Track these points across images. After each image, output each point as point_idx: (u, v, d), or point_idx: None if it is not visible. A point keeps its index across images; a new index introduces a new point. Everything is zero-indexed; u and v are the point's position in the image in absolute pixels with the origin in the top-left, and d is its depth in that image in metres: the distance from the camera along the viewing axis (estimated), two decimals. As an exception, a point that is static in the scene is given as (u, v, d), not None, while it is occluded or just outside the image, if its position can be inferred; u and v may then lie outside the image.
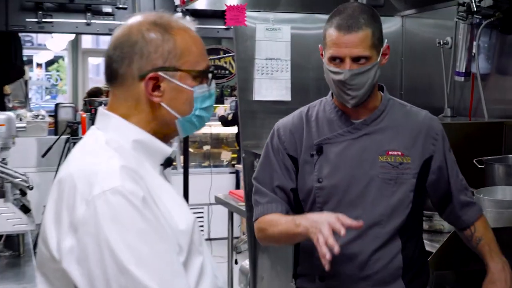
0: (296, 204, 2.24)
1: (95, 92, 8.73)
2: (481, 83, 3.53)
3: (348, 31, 2.07)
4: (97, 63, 13.96)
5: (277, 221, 2.16)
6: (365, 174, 2.14)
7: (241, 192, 4.83)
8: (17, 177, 3.48)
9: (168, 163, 1.60)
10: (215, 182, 6.13)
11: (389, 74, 4.34)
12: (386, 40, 2.18)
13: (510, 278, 2.20)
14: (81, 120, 6.27)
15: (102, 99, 6.64)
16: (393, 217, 2.13)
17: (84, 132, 6.37)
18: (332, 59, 2.12)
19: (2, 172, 3.36)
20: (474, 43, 3.52)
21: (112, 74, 1.54)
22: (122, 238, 1.35)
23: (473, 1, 3.34)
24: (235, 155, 6.91)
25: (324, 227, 1.90)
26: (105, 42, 13.61)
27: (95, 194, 1.37)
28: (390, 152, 2.16)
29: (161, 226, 1.42)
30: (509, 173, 2.87)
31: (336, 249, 1.87)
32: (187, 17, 1.60)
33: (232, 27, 4.17)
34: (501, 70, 3.52)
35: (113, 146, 1.50)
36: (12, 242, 3.17)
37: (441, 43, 3.92)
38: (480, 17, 3.48)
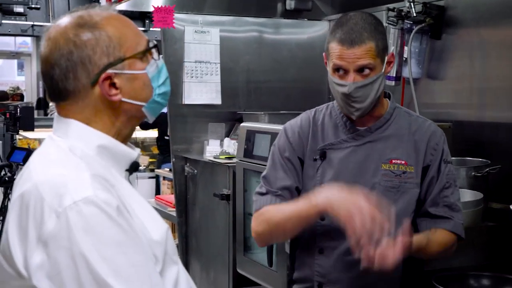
0: None
1: (1, 96, 8.40)
2: (413, 87, 3.61)
3: (351, 45, 2.04)
4: (-4, 64, 13.46)
5: (282, 207, 2.12)
6: (367, 182, 2.13)
7: (168, 197, 4.75)
8: None
9: (133, 168, 1.53)
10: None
11: (317, 79, 4.38)
12: (392, 48, 2.15)
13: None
14: (-9, 125, 5.98)
15: (17, 102, 6.37)
16: (395, 226, 2.07)
17: (-5, 138, 6.09)
18: (336, 69, 2.09)
19: None
20: (405, 48, 3.59)
21: (61, 93, 1.45)
22: (98, 250, 1.28)
23: (412, 7, 3.41)
24: (153, 160, 6.79)
25: (366, 209, 1.84)
26: (5, 43, 13.10)
27: (67, 205, 1.30)
28: (393, 161, 2.15)
29: (137, 236, 1.36)
30: (447, 175, 2.93)
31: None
32: (102, 4, 1.51)
33: (160, 29, 4.09)
34: (431, 75, 3.61)
35: (78, 154, 1.42)
36: None
37: (370, 48, 3.97)
38: (411, 22, 3.55)
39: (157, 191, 6.39)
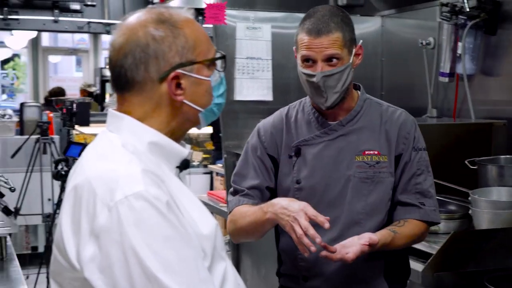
0: None
1: (58, 92, 8.58)
2: (467, 84, 3.56)
3: (318, 35, 2.10)
4: (55, 61, 13.76)
5: (246, 212, 2.18)
6: (342, 175, 2.18)
7: (220, 192, 4.79)
8: (-4, 179, 3.40)
9: (184, 165, 1.57)
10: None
11: (369, 74, 4.37)
12: (361, 41, 2.21)
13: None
14: (48, 120, 6.16)
15: (73, 98, 6.53)
16: (373, 216, 2.17)
17: (51, 133, 6.26)
18: (304, 60, 2.16)
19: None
20: (459, 43, 3.55)
21: (127, 83, 1.48)
22: (148, 244, 1.31)
23: (466, 1, 3.37)
24: (207, 156, 6.87)
25: (301, 217, 1.93)
26: (63, 40, 13.41)
27: (118, 199, 1.33)
28: (366, 152, 2.19)
29: (186, 231, 1.38)
30: (501, 174, 2.90)
31: (318, 240, 1.91)
32: (184, 8, 1.55)
33: (211, 25, 4.12)
34: (486, 71, 3.56)
35: (130, 149, 1.45)
36: (-9, 245, 3.10)
37: (424, 44, 3.95)
38: (465, 17, 3.51)
39: (212, 187, 6.46)
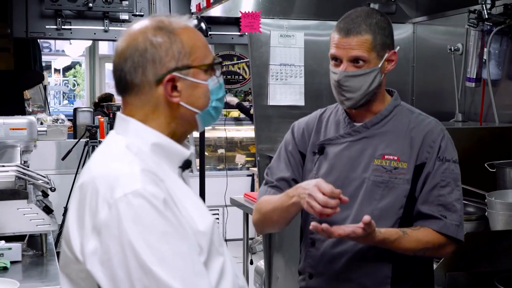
0: None
1: (106, 98, 8.85)
2: (491, 89, 3.59)
3: (347, 35, 2.11)
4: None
5: (271, 198, 2.22)
6: (357, 176, 2.18)
7: (256, 194, 4.90)
8: (39, 179, 3.57)
9: (186, 165, 1.63)
10: (231, 185, 6.24)
11: (400, 80, 4.43)
12: (398, 47, 2.20)
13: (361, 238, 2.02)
14: (99, 124, 6.39)
15: (120, 103, 6.72)
16: (381, 221, 2.10)
17: (102, 136, 6.49)
18: (333, 58, 2.18)
19: (25, 174, 3.44)
20: (485, 49, 3.59)
21: (127, 86, 1.56)
22: (144, 239, 1.38)
23: (484, 8, 3.40)
24: (250, 159, 7.01)
25: (315, 191, 1.94)
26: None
27: (117, 197, 1.40)
28: (386, 156, 2.16)
29: (182, 227, 1.45)
30: (518, 177, 2.89)
31: (338, 210, 1.93)
32: (184, 16, 1.64)
33: (247, 33, 4.26)
34: (511, 76, 3.57)
35: (133, 151, 1.53)
36: (35, 242, 3.22)
37: (452, 50, 3.98)
38: (491, 24, 3.54)
39: (253, 188, 6.60)
